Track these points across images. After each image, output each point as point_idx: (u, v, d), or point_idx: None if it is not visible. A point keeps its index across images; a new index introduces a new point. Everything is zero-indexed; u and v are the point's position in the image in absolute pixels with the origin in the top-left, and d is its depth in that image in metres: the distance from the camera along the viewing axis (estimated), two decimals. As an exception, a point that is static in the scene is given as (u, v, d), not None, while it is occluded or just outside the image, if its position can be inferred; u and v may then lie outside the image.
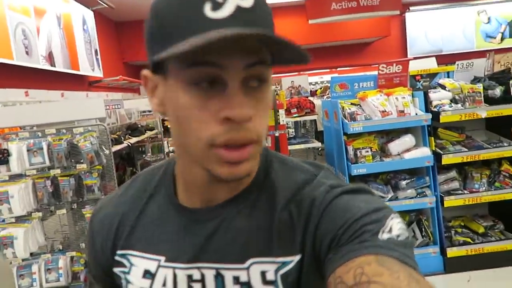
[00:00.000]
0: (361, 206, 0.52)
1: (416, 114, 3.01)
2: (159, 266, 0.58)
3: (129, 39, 10.29)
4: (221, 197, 0.58)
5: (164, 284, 0.57)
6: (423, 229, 3.14)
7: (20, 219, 3.36)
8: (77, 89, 7.81)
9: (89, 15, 8.47)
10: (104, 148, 3.75)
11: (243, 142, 0.49)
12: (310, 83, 11.95)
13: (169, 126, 0.59)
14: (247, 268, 0.55)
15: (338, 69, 12.89)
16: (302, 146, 3.52)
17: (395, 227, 0.50)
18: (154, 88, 0.54)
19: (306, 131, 4.29)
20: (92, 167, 3.48)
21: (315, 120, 4.14)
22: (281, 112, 2.69)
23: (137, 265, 0.59)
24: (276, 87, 2.99)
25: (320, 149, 3.94)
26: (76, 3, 7.99)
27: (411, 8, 11.12)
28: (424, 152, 3.00)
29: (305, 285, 0.54)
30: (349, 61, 11.80)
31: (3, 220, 3.35)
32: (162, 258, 0.58)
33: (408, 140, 3.08)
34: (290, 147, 3.28)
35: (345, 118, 3.06)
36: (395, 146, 3.07)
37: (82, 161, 3.41)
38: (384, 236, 0.48)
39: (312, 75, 12.37)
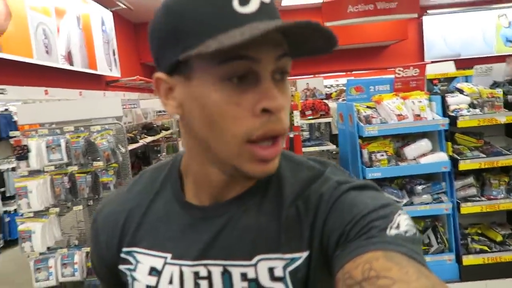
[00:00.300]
0: (368, 202, 0.52)
1: (433, 118, 2.98)
2: (165, 263, 0.58)
3: (146, 40, 10.42)
4: (230, 194, 0.58)
5: (170, 282, 0.57)
6: (438, 235, 3.09)
7: (38, 214, 3.43)
8: (95, 88, 7.94)
9: (108, 16, 8.61)
10: (120, 147, 3.80)
11: (280, 133, 0.50)
12: (326, 86, 11.89)
13: (180, 127, 0.58)
14: (255, 265, 0.55)
15: (354, 72, 12.81)
16: (317, 148, 3.50)
17: (403, 223, 0.49)
18: (169, 90, 0.53)
19: (321, 133, 4.28)
20: (108, 164, 3.54)
21: (329, 122, 4.13)
22: (296, 113, 2.69)
23: (143, 262, 0.59)
24: (291, 89, 2.99)
25: (334, 152, 3.92)
26: (95, 4, 8.14)
27: (429, 11, 11.00)
28: (441, 157, 2.96)
29: (313, 281, 0.54)
30: (365, 64, 11.73)
31: (22, 215, 3.43)
32: (169, 255, 0.58)
33: (424, 144, 3.04)
34: (304, 149, 3.28)
35: (360, 121, 3.04)
36: (411, 151, 3.03)
37: (98, 158, 3.47)
38: (392, 232, 0.48)
39: (327, 78, 12.31)
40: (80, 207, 3.54)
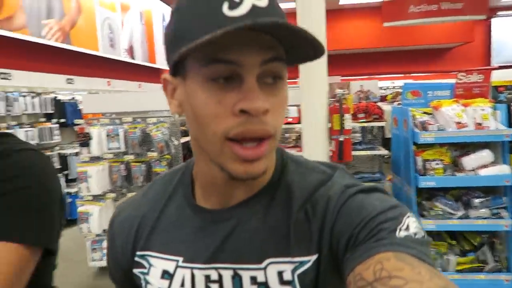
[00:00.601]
0: (376, 204, 0.52)
1: (497, 128, 2.79)
2: (177, 266, 0.59)
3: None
4: (238, 197, 0.58)
5: (182, 285, 0.58)
6: (495, 253, 2.90)
7: (96, 198, 3.67)
8: (153, 81, 8.29)
9: (168, 12, 8.93)
10: (173, 139, 3.95)
11: (259, 135, 0.49)
12: (381, 88, 11.53)
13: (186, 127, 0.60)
14: (264, 269, 0.55)
15: (413, 74, 12.29)
16: (368, 152, 3.42)
17: (412, 225, 0.49)
18: (173, 90, 0.55)
19: (373, 137, 4.16)
20: (162, 156, 3.70)
21: (383, 126, 4.01)
22: (347, 116, 2.63)
23: (155, 266, 0.60)
24: (344, 91, 2.93)
25: (386, 156, 3.80)
26: (157, 1, 8.48)
27: (498, 13, 10.27)
28: (503, 169, 2.76)
29: (323, 284, 0.54)
30: (425, 67, 11.20)
31: (82, 197, 3.68)
32: (180, 259, 0.59)
33: (485, 155, 2.86)
34: (354, 153, 3.21)
35: (416, 127, 2.92)
36: (470, 161, 2.86)
37: (153, 149, 3.64)
38: (401, 233, 0.48)
39: (383, 79, 11.94)
40: (134, 194, 3.71)
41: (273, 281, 0.54)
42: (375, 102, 3.96)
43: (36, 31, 4.96)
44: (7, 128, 4.56)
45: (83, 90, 6.18)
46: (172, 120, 3.97)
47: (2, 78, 4.49)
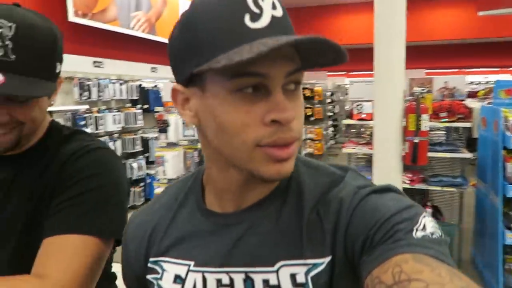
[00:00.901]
0: (390, 204, 0.51)
1: None
2: (188, 270, 0.59)
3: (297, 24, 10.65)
4: (250, 200, 0.59)
5: None
6: None
7: (171, 182, 3.89)
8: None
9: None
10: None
11: (290, 141, 0.51)
12: (471, 82, 10.54)
13: (198, 136, 0.59)
14: (277, 271, 0.54)
15: (510, 69, 11.05)
16: (447, 155, 3.14)
17: (428, 224, 0.48)
18: (186, 101, 0.55)
19: (459, 136, 3.82)
20: (233, 145, 3.79)
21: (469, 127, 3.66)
22: (424, 117, 2.43)
23: (168, 271, 0.61)
24: (423, 89, 2.68)
25: (472, 157, 3.47)
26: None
27: None
28: None
29: (337, 287, 0.53)
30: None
31: (158, 180, 3.94)
32: (192, 263, 0.59)
33: None
34: (432, 154, 2.97)
35: (508, 130, 2.62)
36: None
37: (225, 139, 3.75)
38: (418, 234, 0.47)
39: (474, 74, 10.89)
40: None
41: (286, 284, 0.54)
42: (461, 101, 3.63)
43: (126, 22, 5.35)
44: (98, 111, 4.99)
45: (165, 78, 6.56)
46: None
47: (95, 66, 4.93)
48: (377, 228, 0.49)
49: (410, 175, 3.33)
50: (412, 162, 2.42)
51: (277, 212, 0.57)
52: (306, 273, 0.53)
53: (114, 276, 0.94)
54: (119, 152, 4.34)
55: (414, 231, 0.47)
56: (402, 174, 3.31)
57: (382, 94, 2.34)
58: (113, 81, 5.41)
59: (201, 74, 0.51)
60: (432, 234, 0.48)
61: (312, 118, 8.14)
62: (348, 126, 4.31)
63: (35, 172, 0.78)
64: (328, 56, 0.50)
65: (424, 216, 0.50)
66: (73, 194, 0.74)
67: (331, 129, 8.99)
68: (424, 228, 0.48)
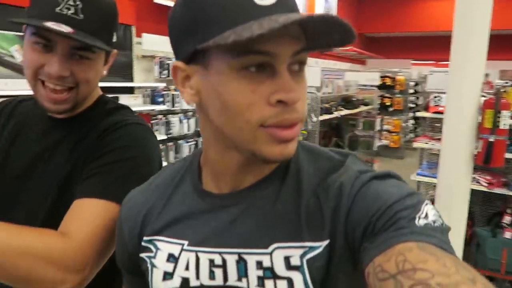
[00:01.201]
0: (392, 191, 0.51)
1: None
2: (182, 249, 0.59)
3: (368, 10, 10.17)
4: (247, 182, 0.58)
5: (187, 268, 0.58)
6: None
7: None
8: (309, 56, 8.36)
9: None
10: (312, 115, 3.98)
11: (294, 122, 0.50)
12: None
13: (197, 115, 0.58)
14: (270, 253, 0.54)
15: None
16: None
17: (430, 212, 0.48)
18: (186, 78, 0.54)
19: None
20: (298, 131, 3.77)
21: None
22: (505, 113, 2.15)
23: (162, 250, 0.61)
24: (506, 82, 2.36)
25: None
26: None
27: None
28: None
29: (334, 272, 0.52)
30: None
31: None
32: (185, 242, 0.59)
33: None
34: (510, 156, 2.64)
35: None
36: None
37: (290, 123, 3.74)
38: (420, 222, 0.46)
39: None
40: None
41: (280, 266, 0.53)
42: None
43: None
44: (175, 89, 5.27)
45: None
46: (314, 96, 3.99)
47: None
48: (379, 214, 0.49)
49: (489, 178, 3.02)
50: (484, 163, 2.18)
51: (274, 194, 0.57)
52: (302, 256, 0.53)
53: None
54: (192, 130, 4.57)
55: (417, 219, 0.47)
56: (479, 175, 3.01)
57: (457, 85, 2.13)
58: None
59: (204, 51, 0.50)
60: (434, 222, 0.47)
61: (390, 109, 7.74)
62: (424, 119, 4.02)
63: (77, 137, 0.86)
64: (335, 36, 0.49)
65: (426, 204, 0.49)
66: (105, 162, 0.80)
67: (412, 121, 8.45)
68: (426, 216, 0.47)
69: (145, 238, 0.63)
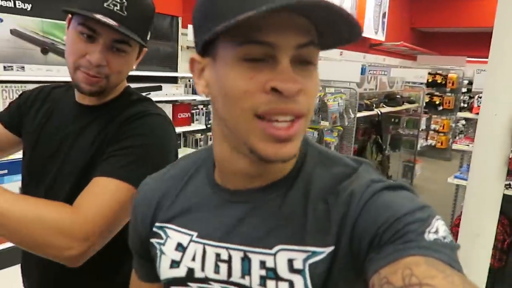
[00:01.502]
0: (403, 203, 0.49)
1: None
2: (191, 240, 0.60)
3: (422, 3, 9.74)
4: (258, 182, 0.58)
5: (193, 259, 0.60)
6: None
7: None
8: (356, 50, 8.19)
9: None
10: (350, 112, 3.95)
11: (290, 113, 0.49)
12: None
13: (211, 110, 0.60)
14: (274, 254, 0.54)
15: None
16: None
17: (441, 228, 0.46)
18: (201, 70, 0.55)
19: None
20: (334, 126, 3.77)
21: None
22: None
23: (172, 238, 0.62)
24: None
25: None
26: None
27: None
28: None
29: (335, 279, 0.52)
30: None
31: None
32: (195, 234, 0.60)
33: None
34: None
35: None
36: None
37: (326, 118, 3.74)
38: (430, 236, 0.45)
39: None
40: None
41: (283, 268, 0.53)
42: None
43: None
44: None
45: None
46: (352, 92, 3.95)
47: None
48: (387, 226, 0.47)
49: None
50: (518, 168, 2.07)
51: (282, 197, 0.57)
52: (305, 260, 0.53)
53: None
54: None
55: (426, 233, 0.45)
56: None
57: (493, 84, 2.04)
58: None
59: (214, 43, 0.51)
60: (444, 238, 0.46)
61: (440, 108, 7.41)
62: (467, 120, 3.84)
63: (102, 124, 0.94)
64: (343, 32, 0.48)
65: (438, 219, 0.48)
66: (122, 146, 0.88)
67: (463, 121, 8.04)
68: (436, 231, 0.46)
69: (156, 224, 0.65)
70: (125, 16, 0.86)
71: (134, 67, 0.98)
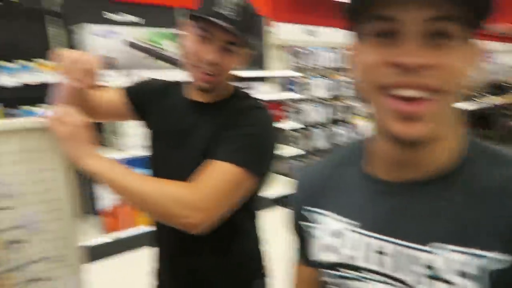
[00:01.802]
0: None
1: None
2: (350, 230, 0.61)
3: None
4: (413, 174, 0.57)
5: (345, 246, 0.61)
6: None
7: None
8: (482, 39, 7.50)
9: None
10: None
11: (411, 85, 0.48)
12: None
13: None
14: (432, 252, 0.53)
15: None
16: None
17: None
18: (354, 57, 0.58)
19: None
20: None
21: None
22: None
23: (324, 223, 0.65)
24: None
25: None
26: None
27: None
28: None
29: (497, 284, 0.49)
30: None
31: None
32: (353, 222, 0.61)
33: None
34: None
35: None
36: None
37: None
38: None
39: None
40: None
41: (445, 269, 0.52)
42: None
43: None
44: (307, 77, 5.34)
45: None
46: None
47: (308, 35, 5.26)
48: None
49: None
50: None
51: (442, 193, 0.55)
52: (469, 263, 0.50)
53: (255, 214, 1.17)
54: (324, 118, 4.67)
55: None
56: None
57: None
58: (323, 48, 5.64)
59: (358, 29, 0.55)
60: None
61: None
62: None
63: (217, 119, 1.05)
64: (480, 3, 0.47)
65: None
66: (235, 134, 0.99)
67: None
68: None
69: (307, 207, 0.70)
70: (237, 21, 0.97)
71: (237, 67, 1.07)
